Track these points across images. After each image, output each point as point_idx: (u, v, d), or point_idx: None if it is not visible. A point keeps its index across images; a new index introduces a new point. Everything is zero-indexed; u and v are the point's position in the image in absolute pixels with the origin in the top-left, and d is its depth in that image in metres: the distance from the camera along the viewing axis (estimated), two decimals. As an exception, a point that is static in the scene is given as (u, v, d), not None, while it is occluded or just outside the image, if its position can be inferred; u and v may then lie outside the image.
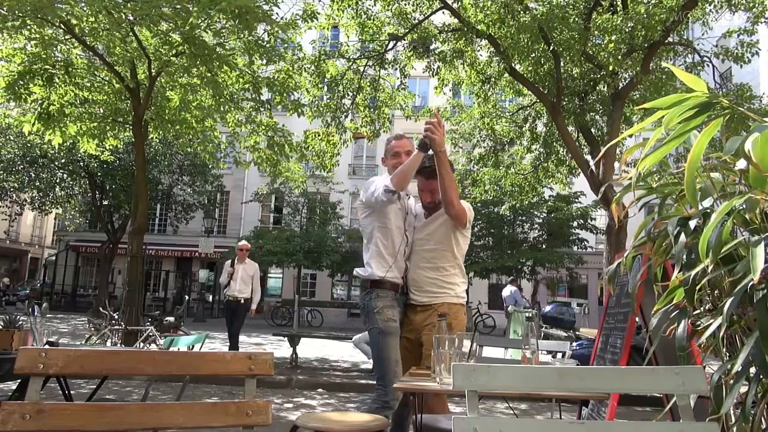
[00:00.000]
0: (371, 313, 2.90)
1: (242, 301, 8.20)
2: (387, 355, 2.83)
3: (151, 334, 8.36)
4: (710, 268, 1.41)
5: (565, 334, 11.30)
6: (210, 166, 20.08)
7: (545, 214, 22.10)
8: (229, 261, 8.48)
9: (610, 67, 8.18)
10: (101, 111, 9.95)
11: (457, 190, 2.89)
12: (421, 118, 12.38)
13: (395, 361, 2.82)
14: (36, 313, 3.45)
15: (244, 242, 8.86)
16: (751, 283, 1.29)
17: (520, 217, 21.72)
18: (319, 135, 11.04)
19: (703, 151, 1.45)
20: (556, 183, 13.19)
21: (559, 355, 6.86)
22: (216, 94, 8.84)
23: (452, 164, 3.06)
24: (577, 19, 8.70)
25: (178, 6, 7.08)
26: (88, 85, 9.37)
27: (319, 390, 6.92)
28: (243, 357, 1.65)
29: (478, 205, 19.39)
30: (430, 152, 2.77)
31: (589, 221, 21.47)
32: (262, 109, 10.15)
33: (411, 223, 3.07)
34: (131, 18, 7.40)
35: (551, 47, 8.62)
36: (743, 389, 1.36)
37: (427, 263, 2.94)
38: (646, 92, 9.79)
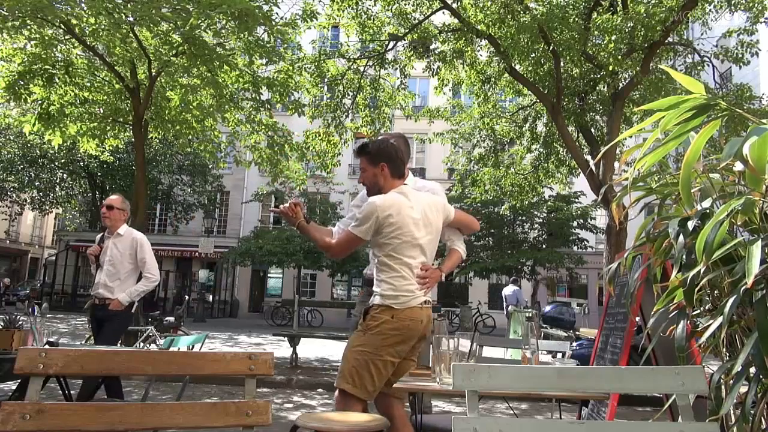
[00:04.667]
0: None
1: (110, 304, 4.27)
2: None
3: (151, 334, 8.36)
4: (706, 269, 1.41)
5: (565, 334, 11.29)
6: (210, 166, 20.10)
7: (545, 214, 22.09)
8: (99, 236, 4.68)
9: (610, 67, 8.18)
10: (101, 111, 9.96)
11: (323, 241, 2.75)
12: (422, 118, 12.42)
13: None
14: (36, 313, 3.44)
15: (113, 197, 4.66)
16: (745, 287, 1.29)
17: (520, 217, 21.70)
18: (319, 135, 11.05)
19: (699, 153, 1.46)
20: (556, 183, 13.19)
21: (559, 355, 6.87)
22: (216, 94, 8.84)
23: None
24: (577, 19, 8.70)
25: (178, 7, 7.09)
26: (88, 85, 9.37)
27: (319, 390, 6.92)
28: (243, 357, 1.65)
29: (478, 205, 19.39)
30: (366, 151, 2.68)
31: (589, 221, 21.46)
32: (262, 109, 10.16)
33: None
34: (131, 19, 7.41)
35: (551, 47, 8.62)
36: (743, 389, 1.36)
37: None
38: (646, 92, 9.78)
